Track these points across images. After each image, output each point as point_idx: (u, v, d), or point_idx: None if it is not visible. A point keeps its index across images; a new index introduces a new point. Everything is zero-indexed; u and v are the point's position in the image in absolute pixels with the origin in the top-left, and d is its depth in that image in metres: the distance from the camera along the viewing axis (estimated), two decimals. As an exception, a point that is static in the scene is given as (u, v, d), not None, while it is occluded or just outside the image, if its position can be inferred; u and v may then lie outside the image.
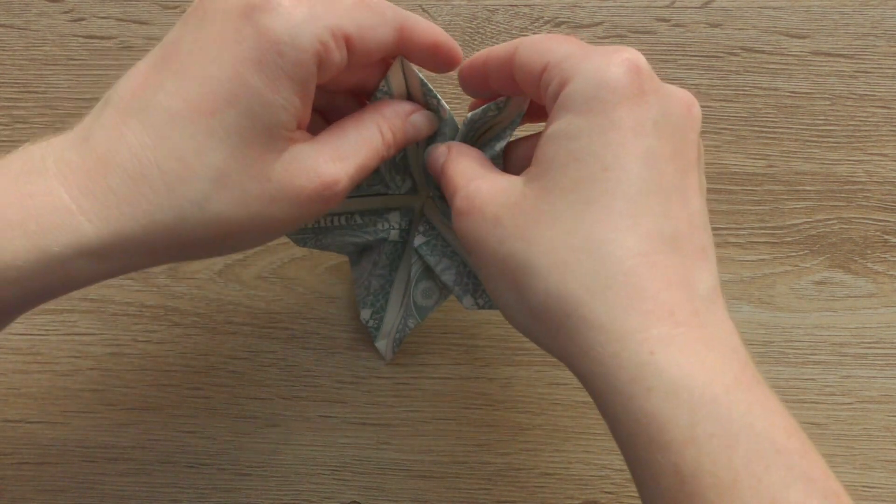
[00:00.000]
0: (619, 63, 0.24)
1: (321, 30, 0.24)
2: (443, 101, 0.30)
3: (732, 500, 0.21)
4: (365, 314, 0.35)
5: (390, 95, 0.30)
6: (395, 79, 0.30)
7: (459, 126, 0.31)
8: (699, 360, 0.22)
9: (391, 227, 0.33)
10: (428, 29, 0.28)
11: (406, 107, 0.30)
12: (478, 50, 0.36)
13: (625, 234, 0.23)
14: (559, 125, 0.24)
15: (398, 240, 0.34)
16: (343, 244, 0.33)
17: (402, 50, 0.28)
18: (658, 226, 0.23)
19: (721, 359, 0.22)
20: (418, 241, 0.33)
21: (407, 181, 0.33)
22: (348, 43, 0.25)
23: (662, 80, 0.25)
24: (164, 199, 0.24)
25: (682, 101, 0.25)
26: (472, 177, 0.27)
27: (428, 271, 0.34)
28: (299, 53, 0.24)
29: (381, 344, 0.36)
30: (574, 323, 0.23)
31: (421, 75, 0.29)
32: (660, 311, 0.22)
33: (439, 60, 0.29)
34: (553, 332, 0.24)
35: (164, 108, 0.24)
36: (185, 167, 0.24)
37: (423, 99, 0.30)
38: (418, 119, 0.30)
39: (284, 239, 0.37)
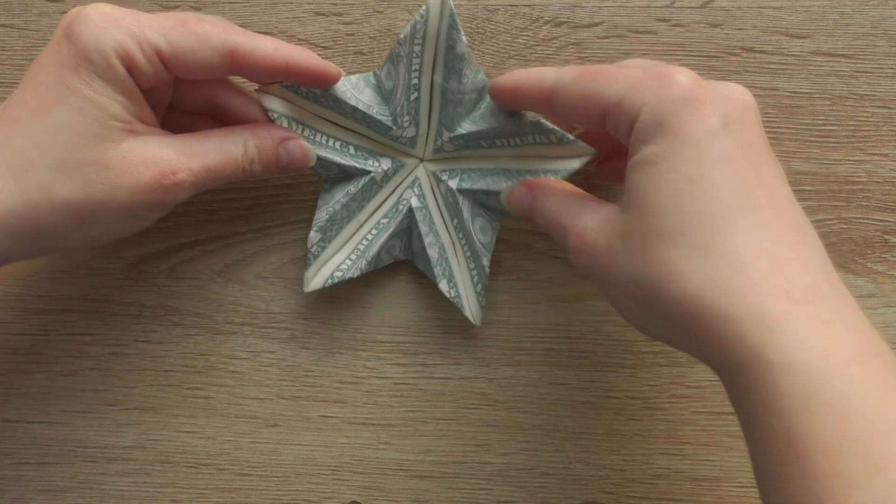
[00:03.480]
0: (673, 86, 0.26)
1: (124, 39, 0.28)
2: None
3: (839, 463, 0.22)
4: (444, 286, 0.36)
5: (280, 118, 0.33)
6: (274, 103, 0.33)
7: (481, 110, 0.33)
8: (817, 334, 0.23)
9: (379, 167, 0.35)
10: (272, 54, 0.31)
11: (279, 133, 0.33)
12: (479, 50, 0.36)
13: (724, 233, 0.25)
14: (640, 156, 0.26)
15: (421, 205, 0.35)
16: (327, 163, 0.34)
17: (240, 73, 0.31)
18: (752, 217, 0.25)
19: (839, 333, 0.24)
20: (415, 203, 0.35)
21: (411, 128, 0.34)
22: (162, 58, 0.29)
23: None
24: (14, 189, 0.28)
25: (737, 98, 0.27)
26: (574, 213, 0.29)
27: (476, 208, 0.35)
28: (105, 58, 0.28)
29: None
30: (702, 320, 0.25)
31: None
32: (775, 291, 0.24)
33: (302, 81, 0.32)
34: (686, 333, 0.26)
35: (10, 115, 0.29)
36: (26, 160, 0.28)
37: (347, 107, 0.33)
38: (293, 146, 0.33)
39: (285, 239, 0.37)
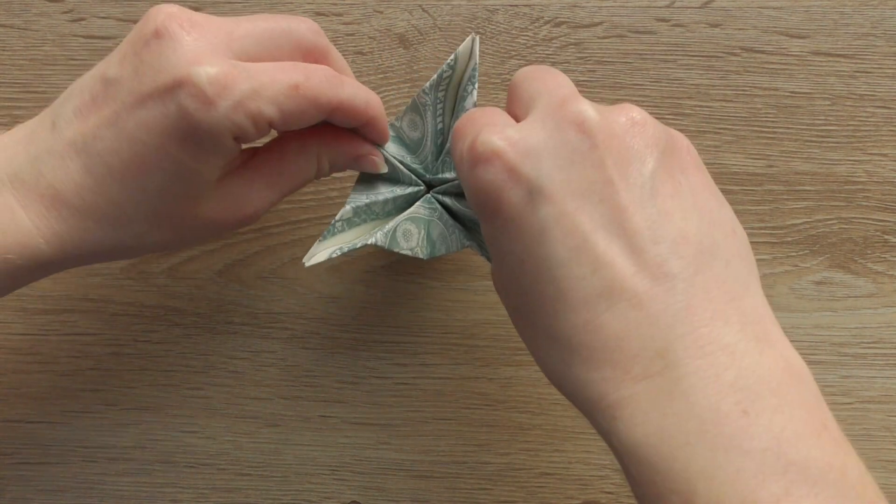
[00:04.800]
0: (482, 165, 0.24)
1: (241, 119, 0.26)
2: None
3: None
4: (347, 212, 0.32)
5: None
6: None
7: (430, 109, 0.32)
8: (659, 414, 0.22)
9: (423, 187, 0.33)
10: (364, 110, 0.29)
11: (357, 148, 0.31)
12: (479, 50, 0.36)
13: (564, 316, 0.24)
14: (483, 231, 0.26)
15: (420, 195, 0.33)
16: (389, 164, 0.33)
17: (332, 121, 0.29)
18: (588, 288, 0.23)
19: (686, 405, 0.21)
20: (448, 200, 0.33)
21: (446, 171, 0.33)
22: (273, 125, 0.27)
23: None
24: (109, 233, 0.28)
25: (556, 142, 0.24)
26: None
27: (449, 217, 0.33)
28: (217, 139, 0.26)
29: (319, 247, 0.32)
30: (569, 399, 0.25)
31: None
32: (614, 374, 0.23)
33: (369, 133, 0.31)
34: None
35: (103, 160, 0.26)
36: (123, 213, 0.27)
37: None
38: (366, 165, 0.31)
39: (285, 239, 0.37)
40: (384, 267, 0.37)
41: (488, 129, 0.25)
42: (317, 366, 0.38)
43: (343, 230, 0.33)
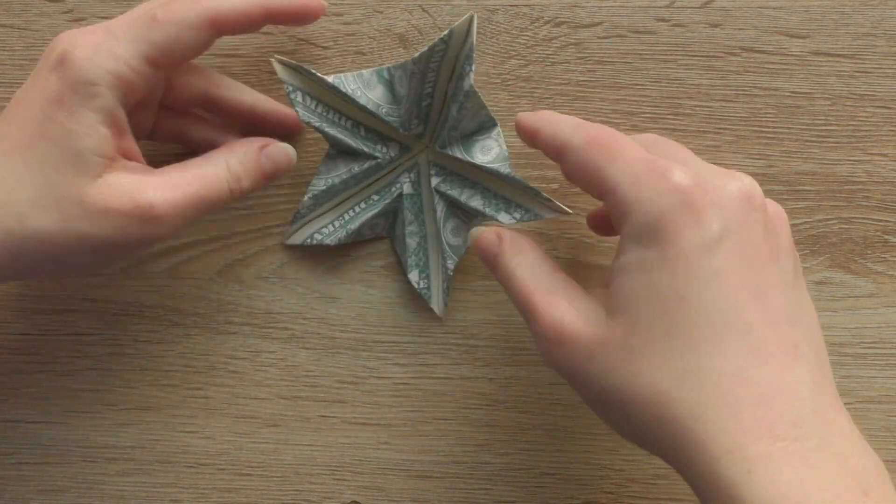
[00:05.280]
0: (669, 192, 0.25)
1: (112, 64, 0.28)
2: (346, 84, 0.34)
3: None
4: (413, 276, 0.36)
5: (299, 91, 0.34)
6: (288, 76, 0.34)
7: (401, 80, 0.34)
8: (797, 476, 0.23)
9: (388, 153, 0.36)
10: (248, 4, 0.30)
11: (257, 142, 0.33)
12: (479, 50, 0.36)
13: (713, 359, 0.24)
14: (629, 257, 0.26)
15: (412, 192, 0.36)
16: (337, 140, 0.35)
17: (223, 34, 0.31)
18: (742, 342, 0.24)
19: (821, 473, 0.23)
20: (406, 189, 0.36)
21: (419, 126, 0.35)
22: (152, 62, 0.29)
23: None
24: None
25: (738, 198, 0.25)
26: (549, 295, 0.28)
27: (452, 209, 0.36)
28: (90, 87, 0.28)
29: (436, 303, 0.37)
30: (679, 443, 0.24)
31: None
32: (757, 428, 0.23)
33: (285, 21, 0.32)
34: (662, 449, 0.25)
35: None
36: (7, 193, 0.28)
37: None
38: (273, 152, 0.33)
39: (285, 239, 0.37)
40: (384, 267, 0.37)
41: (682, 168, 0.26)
42: (317, 366, 0.38)
43: (310, 212, 0.36)
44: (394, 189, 0.36)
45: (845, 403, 0.37)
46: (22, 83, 0.37)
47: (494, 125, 0.35)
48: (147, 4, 0.30)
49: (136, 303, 0.38)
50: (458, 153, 0.35)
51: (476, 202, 0.35)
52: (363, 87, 0.34)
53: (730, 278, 0.24)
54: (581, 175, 0.28)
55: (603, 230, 0.36)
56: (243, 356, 0.38)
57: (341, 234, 0.36)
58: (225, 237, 0.38)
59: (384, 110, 0.34)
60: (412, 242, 0.36)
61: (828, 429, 0.24)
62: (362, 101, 0.34)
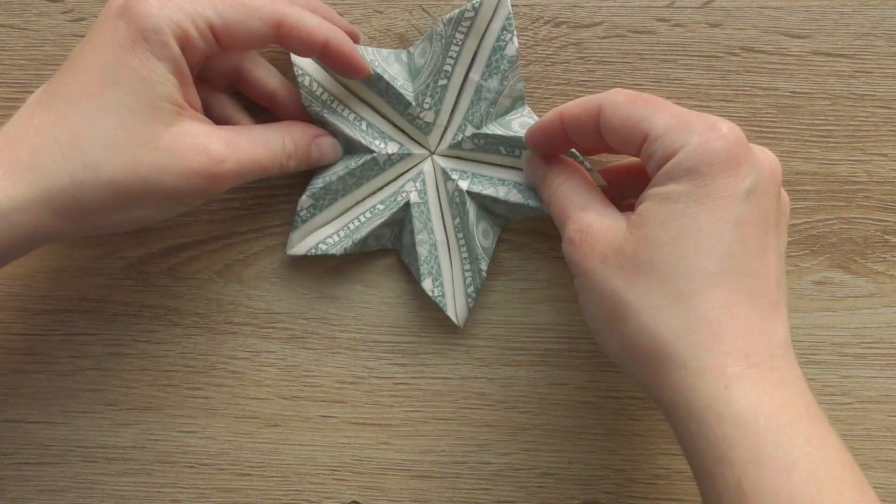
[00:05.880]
0: (719, 138, 0.27)
1: (180, 17, 0.29)
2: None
3: None
4: (427, 284, 0.36)
5: (309, 78, 0.34)
6: (303, 62, 0.34)
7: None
8: (768, 395, 0.25)
9: (385, 149, 0.35)
10: (315, 29, 0.31)
11: (313, 130, 0.34)
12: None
13: (711, 289, 0.26)
14: (662, 189, 0.27)
15: (419, 200, 0.36)
16: (336, 130, 0.35)
17: (283, 44, 0.32)
18: (740, 283, 0.27)
19: (788, 397, 0.26)
20: (413, 198, 0.36)
21: (430, 112, 0.35)
22: (214, 32, 0.30)
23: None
24: (62, 165, 0.28)
25: (769, 167, 0.28)
26: (581, 205, 0.30)
27: (482, 211, 0.36)
28: (161, 36, 0.28)
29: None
30: (660, 359, 0.26)
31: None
32: (736, 353, 0.26)
33: (334, 63, 0.33)
34: (640, 363, 0.27)
35: (62, 95, 0.29)
36: (78, 137, 0.28)
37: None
38: (324, 143, 0.35)
39: (285, 239, 0.37)
40: (384, 267, 0.37)
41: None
42: (317, 366, 0.38)
43: (311, 216, 0.35)
44: (399, 198, 0.36)
45: (845, 403, 0.37)
46: (22, 83, 0.38)
47: (524, 104, 0.35)
48: None
49: (136, 303, 0.38)
50: (499, 130, 0.34)
51: (515, 196, 0.35)
52: (381, 60, 0.35)
53: (746, 228, 0.27)
54: (625, 127, 0.29)
55: (620, 184, 0.35)
56: (243, 356, 0.38)
57: (347, 243, 0.36)
58: (225, 237, 0.38)
59: (399, 83, 0.35)
60: (423, 251, 0.36)
61: (793, 371, 0.27)
62: (378, 70, 0.34)
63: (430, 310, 0.37)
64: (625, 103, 0.28)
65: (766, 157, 0.28)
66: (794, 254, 0.37)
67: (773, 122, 0.37)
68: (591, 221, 0.29)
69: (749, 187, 0.27)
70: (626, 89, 0.29)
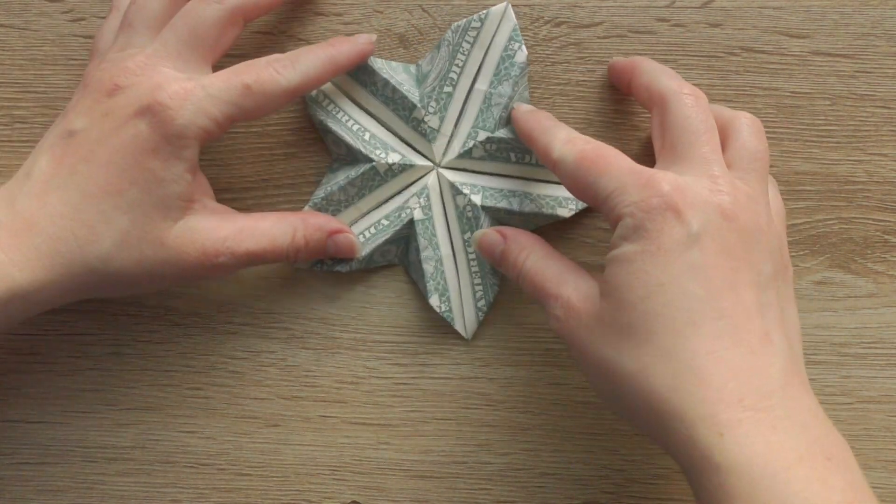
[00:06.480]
0: (653, 196, 0.28)
1: (204, 121, 0.30)
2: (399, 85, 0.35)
3: None
4: (434, 300, 0.36)
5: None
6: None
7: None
8: (764, 440, 0.25)
9: (386, 159, 0.35)
10: (321, 72, 0.33)
11: (332, 224, 0.35)
12: (478, 50, 0.36)
13: (689, 340, 0.27)
14: (619, 252, 0.28)
15: (423, 217, 0.36)
16: (338, 139, 0.36)
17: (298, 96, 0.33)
18: (716, 327, 0.27)
19: (785, 438, 0.26)
20: (417, 215, 0.36)
21: (435, 118, 0.35)
22: (235, 119, 0.31)
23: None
24: (77, 257, 0.30)
25: (715, 208, 0.28)
26: (557, 280, 0.31)
27: (495, 225, 0.36)
28: (183, 140, 0.30)
29: (459, 324, 0.37)
30: (660, 414, 0.27)
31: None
32: (729, 398, 0.26)
33: (348, 69, 0.35)
34: (644, 421, 0.28)
35: (80, 188, 0.30)
36: (94, 233, 0.30)
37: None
38: (342, 240, 0.35)
39: (284, 239, 0.37)
40: (384, 267, 0.37)
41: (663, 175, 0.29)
42: (317, 366, 0.38)
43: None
44: (403, 215, 0.36)
45: (845, 403, 0.37)
46: (22, 83, 0.38)
47: None
48: (236, 73, 0.31)
49: (136, 303, 0.38)
50: (510, 134, 0.35)
51: (529, 206, 0.35)
52: (389, 68, 0.35)
53: (706, 270, 0.27)
54: (574, 188, 0.30)
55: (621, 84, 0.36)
56: (243, 356, 0.38)
57: (353, 262, 0.36)
58: (188, 283, 0.38)
59: (405, 88, 0.35)
60: (429, 268, 0.36)
61: (794, 405, 0.27)
62: (384, 75, 0.35)
63: (430, 310, 0.37)
64: (573, 165, 0.30)
65: (713, 199, 0.28)
66: (794, 254, 0.37)
67: (773, 122, 0.37)
68: (570, 296, 0.30)
69: (697, 230, 0.27)
70: (576, 143, 0.30)
